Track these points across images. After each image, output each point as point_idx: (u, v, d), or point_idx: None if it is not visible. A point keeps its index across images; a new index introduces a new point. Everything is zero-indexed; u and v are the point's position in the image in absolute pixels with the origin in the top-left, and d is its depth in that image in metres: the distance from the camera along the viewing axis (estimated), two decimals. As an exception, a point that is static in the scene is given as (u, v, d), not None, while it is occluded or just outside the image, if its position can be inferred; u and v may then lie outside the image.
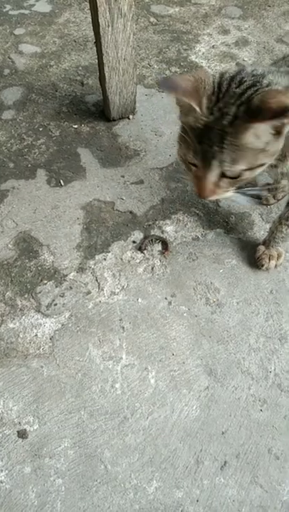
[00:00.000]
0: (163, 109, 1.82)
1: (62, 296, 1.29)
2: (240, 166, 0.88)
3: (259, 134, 0.83)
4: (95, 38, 1.54)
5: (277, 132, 0.84)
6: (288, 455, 1.06)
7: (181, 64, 2.01)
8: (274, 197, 1.49)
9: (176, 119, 1.83)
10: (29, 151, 1.66)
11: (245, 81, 0.87)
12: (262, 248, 1.35)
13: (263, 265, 1.34)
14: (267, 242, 1.34)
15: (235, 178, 0.91)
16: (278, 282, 1.33)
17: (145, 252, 1.39)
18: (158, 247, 1.40)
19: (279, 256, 1.35)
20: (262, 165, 0.90)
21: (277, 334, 1.24)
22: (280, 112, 0.77)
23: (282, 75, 0.90)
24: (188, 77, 0.88)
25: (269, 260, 1.34)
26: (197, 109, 0.87)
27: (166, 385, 1.15)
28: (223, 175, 0.90)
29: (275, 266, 1.35)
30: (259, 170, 0.92)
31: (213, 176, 0.91)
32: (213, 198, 0.96)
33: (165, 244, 1.40)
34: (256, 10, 2.34)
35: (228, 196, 0.98)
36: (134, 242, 1.41)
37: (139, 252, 1.39)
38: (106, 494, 1.00)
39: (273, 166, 1.02)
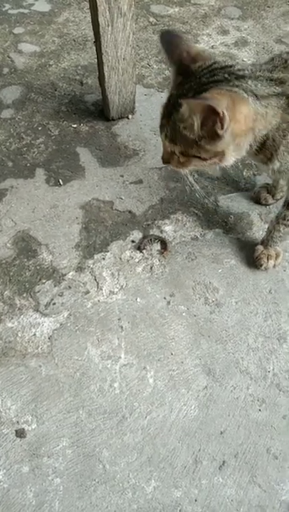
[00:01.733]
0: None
1: (60, 296, 1.29)
2: (175, 147, 0.94)
3: (189, 125, 0.88)
4: (95, 37, 1.54)
5: (213, 133, 0.86)
6: (287, 455, 1.06)
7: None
8: (273, 197, 1.49)
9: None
10: (28, 150, 1.65)
11: (218, 75, 0.91)
12: (260, 248, 1.36)
13: (261, 265, 1.34)
14: (265, 242, 1.34)
15: (185, 156, 0.96)
16: (277, 282, 1.33)
17: (144, 251, 1.38)
18: (157, 246, 1.40)
19: (277, 256, 1.35)
20: (199, 158, 0.94)
21: (276, 334, 1.24)
22: (205, 110, 0.83)
23: (262, 82, 0.93)
24: (190, 49, 0.93)
25: (268, 260, 1.34)
26: (173, 78, 0.95)
27: (164, 385, 1.15)
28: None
29: (274, 266, 1.35)
30: (199, 163, 0.96)
31: (166, 145, 0.98)
32: (171, 166, 1.02)
33: (164, 244, 1.40)
34: (255, 10, 2.34)
35: (183, 174, 1.06)
36: (133, 241, 1.41)
37: (138, 251, 1.39)
38: (104, 494, 1.00)
39: (264, 164, 1.05)
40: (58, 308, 1.27)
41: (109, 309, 1.27)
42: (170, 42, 0.95)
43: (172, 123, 0.92)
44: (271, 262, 1.34)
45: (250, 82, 0.90)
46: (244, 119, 0.88)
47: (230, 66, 0.93)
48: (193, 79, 0.91)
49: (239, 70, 0.92)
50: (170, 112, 0.93)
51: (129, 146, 1.68)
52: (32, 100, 1.84)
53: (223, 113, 0.81)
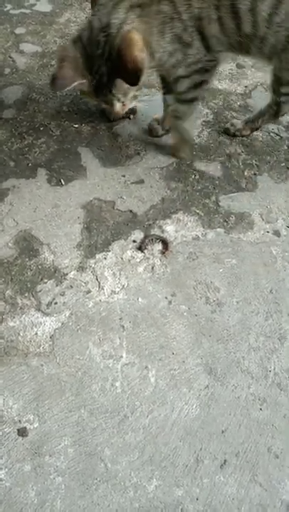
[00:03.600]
0: (163, 108, 1.82)
1: (62, 295, 1.30)
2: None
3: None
4: (96, 37, 1.54)
5: None
6: (288, 454, 1.06)
7: (182, 64, 2.01)
8: (163, 128, 1.67)
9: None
10: (30, 150, 1.66)
11: (99, 40, 1.21)
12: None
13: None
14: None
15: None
16: (278, 282, 1.34)
17: (145, 251, 1.39)
18: (158, 246, 1.40)
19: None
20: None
21: (277, 333, 1.24)
22: (135, 71, 1.17)
23: (122, 10, 1.20)
24: (63, 64, 1.25)
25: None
26: (86, 83, 1.27)
27: (166, 384, 1.15)
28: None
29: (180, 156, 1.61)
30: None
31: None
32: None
33: (165, 244, 1.40)
34: (256, 11, 2.34)
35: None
36: (134, 241, 1.42)
37: (139, 251, 1.39)
38: (106, 492, 1.00)
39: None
40: (60, 307, 1.27)
41: (111, 309, 1.27)
42: (62, 86, 1.29)
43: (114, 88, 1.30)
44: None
45: (118, 17, 1.24)
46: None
47: (94, 29, 1.24)
48: (92, 61, 1.24)
49: (101, 24, 1.24)
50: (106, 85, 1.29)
51: (131, 146, 1.68)
52: (33, 100, 1.84)
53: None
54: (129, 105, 1.39)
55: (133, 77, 1.20)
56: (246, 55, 1.42)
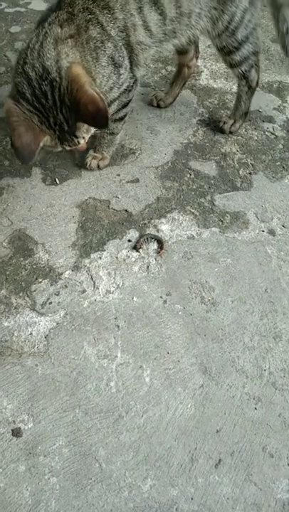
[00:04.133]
0: (157, 107, 1.82)
1: (57, 295, 1.29)
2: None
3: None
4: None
5: None
6: (282, 453, 1.06)
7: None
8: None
9: (171, 118, 1.84)
10: (24, 149, 1.65)
11: (45, 91, 1.11)
12: (91, 152, 1.58)
13: (86, 163, 1.57)
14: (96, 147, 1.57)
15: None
16: (273, 281, 1.34)
17: (140, 251, 1.39)
18: (153, 246, 1.40)
19: (103, 158, 1.58)
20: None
21: (272, 333, 1.24)
22: (98, 111, 1.08)
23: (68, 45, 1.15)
24: (17, 132, 1.14)
25: (92, 160, 1.57)
26: (47, 140, 1.19)
27: (161, 384, 1.15)
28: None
29: (98, 166, 1.58)
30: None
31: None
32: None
33: (160, 244, 1.40)
34: (252, 10, 2.34)
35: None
36: (129, 240, 1.41)
37: (134, 251, 1.39)
38: (100, 492, 1.00)
39: None
40: (55, 307, 1.27)
41: (106, 308, 1.27)
42: (30, 157, 1.18)
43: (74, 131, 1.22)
44: (94, 162, 1.57)
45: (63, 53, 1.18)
46: None
47: (32, 79, 1.16)
48: (45, 115, 1.15)
49: (41, 69, 1.15)
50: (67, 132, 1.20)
51: (126, 145, 1.68)
52: (28, 99, 1.83)
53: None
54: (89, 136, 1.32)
55: (99, 118, 1.11)
56: (171, 47, 1.44)
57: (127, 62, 1.29)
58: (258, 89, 1.90)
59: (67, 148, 1.25)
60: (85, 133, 1.22)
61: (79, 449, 1.05)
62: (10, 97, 1.17)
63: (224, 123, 1.71)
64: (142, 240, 1.40)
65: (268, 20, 2.27)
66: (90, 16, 1.17)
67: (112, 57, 1.23)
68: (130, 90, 1.38)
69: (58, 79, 1.10)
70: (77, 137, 1.21)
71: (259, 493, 1.01)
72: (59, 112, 1.13)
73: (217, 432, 1.08)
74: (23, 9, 2.30)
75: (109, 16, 1.20)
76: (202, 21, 1.38)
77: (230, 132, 1.71)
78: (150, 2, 1.25)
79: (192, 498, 1.00)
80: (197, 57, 1.74)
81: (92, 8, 1.18)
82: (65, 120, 1.14)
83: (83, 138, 1.23)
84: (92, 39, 1.17)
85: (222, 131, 1.72)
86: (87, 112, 1.10)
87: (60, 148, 1.25)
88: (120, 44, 1.24)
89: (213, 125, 1.76)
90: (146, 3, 1.24)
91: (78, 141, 1.22)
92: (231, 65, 1.55)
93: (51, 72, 1.10)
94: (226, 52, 1.50)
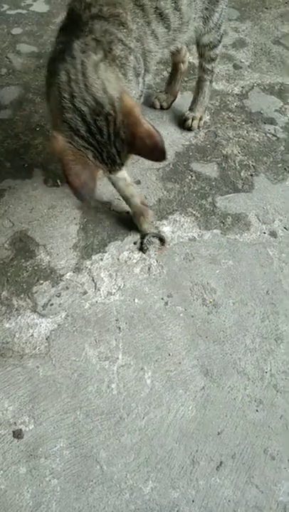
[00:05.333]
0: (160, 109, 1.82)
1: (58, 296, 1.29)
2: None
3: None
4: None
5: None
6: (284, 455, 1.06)
7: (179, 65, 2.01)
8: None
9: (173, 119, 1.84)
10: (26, 150, 1.65)
11: (100, 126, 1.03)
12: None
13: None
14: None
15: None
16: (275, 283, 1.34)
17: (147, 251, 1.38)
18: (156, 244, 1.40)
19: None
20: None
21: (274, 335, 1.24)
22: (156, 145, 1.03)
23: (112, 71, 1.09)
24: (73, 171, 1.05)
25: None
26: (99, 176, 1.10)
27: (162, 386, 1.15)
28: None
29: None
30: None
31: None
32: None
33: (162, 241, 1.40)
34: (253, 12, 2.35)
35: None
36: (134, 243, 1.41)
37: (137, 252, 1.39)
38: (102, 494, 1.00)
39: None
40: (56, 309, 1.27)
41: (107, 310, 1.27)
42: (89, 191, 1.08)
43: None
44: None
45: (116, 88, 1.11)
46: None
47: (84, 118, 1.06)
48: (99, 150, 1.07)
49: (91, 107, 1.07)
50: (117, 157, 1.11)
51: (127, 147, 1.68)
52: (30, 101, 1.84)
53: None
54: None
55: (157, 151, 1.05)
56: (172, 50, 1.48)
57: (143, 70, 1.31)
58: (259, 91, 1.92)
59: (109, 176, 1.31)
60: (129, 160, 1.18)
61: (80, 450, 1.05)
62: (56, 131, 1.07)
63: (192, 120, 1.74)
64: (145, 240, 1.40)
65: (269, 22, 2.28)
66: (111, 37, 1.15)
67: (134, 69, 1.23)
68: (141, 95, 1.39)
69: (112, 112, 1.04)
70: (124, 165, 1.15)
71: (260, 496, 1.01)
72: (112, 146, 1.07)
73: (218, 434, 1.08)
74: (24, 11, 2.30)
75: (125, 30, 1.21)
76: (196, 23, 1.43)
77: (199, 127, 1.76)
78: (157, 18, 1.28)
79: (193, 501, 1.00)
80: (189, 51, 1.80)
81: (110, 29, 1.17)
82: (117, 153, 1.08)
83: (126, 165, 1.19)
84: (117, 57, 1.15)
85: (190, 128, 1.74)
86: (144, 146, 1.05)
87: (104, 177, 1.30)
88: (138, 55, 1.26)
89: (214, 126, 1.76)
90: (153, 19, 1.27)
91: (121, 169, 1.18)
92: (210, 60, 1.61)
93: (104, 106, 1.04)
94: (210, 48, 1.56)
